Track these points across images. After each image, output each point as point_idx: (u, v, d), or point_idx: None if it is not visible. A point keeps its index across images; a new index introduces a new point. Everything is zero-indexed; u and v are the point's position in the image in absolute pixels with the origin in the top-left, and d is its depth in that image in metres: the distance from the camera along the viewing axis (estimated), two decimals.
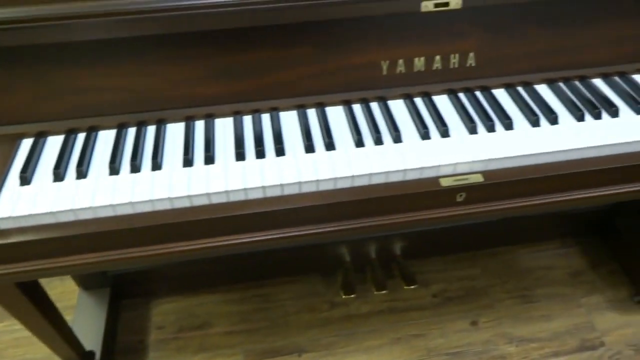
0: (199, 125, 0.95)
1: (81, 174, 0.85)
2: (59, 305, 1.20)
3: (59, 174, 0.85)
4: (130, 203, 0.80)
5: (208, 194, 0.82)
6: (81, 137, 0.92)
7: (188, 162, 0.87)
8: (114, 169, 0.85)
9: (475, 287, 1.76)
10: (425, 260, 1.83)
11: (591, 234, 1.87)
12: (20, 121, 0.91)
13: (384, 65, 0.97)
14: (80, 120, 0.93)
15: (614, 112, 0.96)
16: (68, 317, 1.53)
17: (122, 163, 0.88)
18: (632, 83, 1.04)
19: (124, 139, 0.92)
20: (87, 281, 1.52)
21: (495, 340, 1.61)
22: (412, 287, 1.63)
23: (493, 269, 1.81)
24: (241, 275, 1.69)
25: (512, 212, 0.93)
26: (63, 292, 1.69)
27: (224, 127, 0.95)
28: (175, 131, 0.94)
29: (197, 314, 1.69)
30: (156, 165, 0.86)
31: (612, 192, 0.93)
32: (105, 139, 0.93)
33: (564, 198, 0.92)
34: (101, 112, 0.92)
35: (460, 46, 0.97)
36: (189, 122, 0.95)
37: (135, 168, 0.86)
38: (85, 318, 1.51)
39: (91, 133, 0.93)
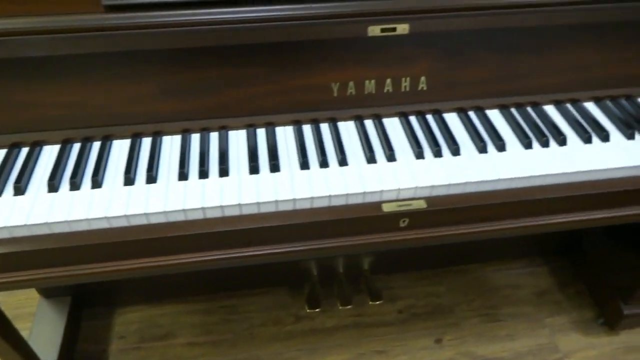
0: (146, 143, 0.94)
1: (19, 190, 0.84)
2: (20, 312, 1.19)
3: None
4: (67, 222, 0.80)
5: (146, 214, 0.82)
6: (24, 151, 0.92)
7: (129, 180, 0.87)
8: (53, 186, 0.85)
9: (442, 304, 1.76)
10: (393, 275, 1.83)
11: (559, 253, 1.88)
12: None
13: (335, 87, 0.97)
14: (24, 134, 0.92)
15: (562, 140, 0.97)
16: (29, 325, 1.53)
17: (62, 181, 0.87)
18: (584, 111, 1.04)
19: (68, 155, 0.91)
20: (48, 289, 1.51)
21: (458, 359, 1.61)
22: (378, 302, 1.63)
23: (460, 287, 1.81)
24: (207, 286, 1.69)
25: (456, 239, 0.93)
26: (28, 298, 1.67)
27: (171, 145, 0.95)
28: (120, 148, 0.93)
29: (160, 324, 1.67)
30: (96, 183, 0.86)
31: (555, 221, 0.93)
32: (49, 154, 0.92)
33: (508, 226, 0.92)
34: (46, 127, 0.92)
35: (412, 70, 0.97)
36: (136, 139, 0.94)
37: (74, 186, 0.85)
38: (45, 326, 1.49)
39: (35, 148, 0.92)
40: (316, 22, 0.87)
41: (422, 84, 0.99)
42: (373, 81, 0.97)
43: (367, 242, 0.90)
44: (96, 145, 0.93)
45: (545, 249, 1.85)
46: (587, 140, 0.98)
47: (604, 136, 0.98)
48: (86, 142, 0.93)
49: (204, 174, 0.88)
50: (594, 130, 1.00)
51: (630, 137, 0.99)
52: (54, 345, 1.44)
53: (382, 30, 0.88)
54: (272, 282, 1.74)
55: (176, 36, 0.87)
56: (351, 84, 0.97)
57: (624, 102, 1.07)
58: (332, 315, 1.71)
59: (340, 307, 1.60)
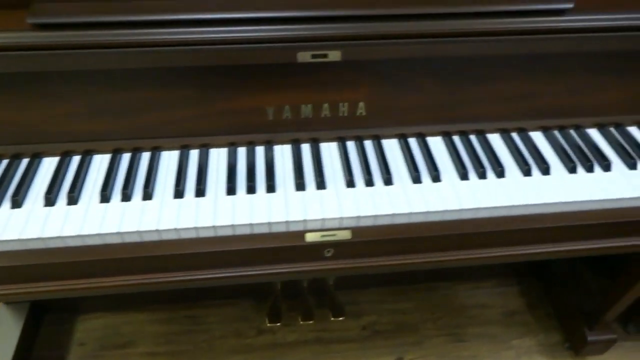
0: (74, 161, 0.94)
1: None
2: None
3: None
4: None
5: (62, 237, 0.81)
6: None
7: (49, 201, 0.86)
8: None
9: (407, 322, 1.74)
10: (361, 291, 1.81)
11: (531, 274, 1.85)
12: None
13: (270, 111, 0.95)
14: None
15: (499, 172, 0.94)
16: None
17: None
18: (529, 141, 1.01)
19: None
20: None
21: None
22: (340, 318, 1.61)
23: (427, 304, 1.79)
24: (172, 296, 1.68)
25: (383, 269, 0.91)
26: None
27: (100, 164, 0.94)
28: (47, 166, 0.93)
29: (122, 333, 1.67)
30: (16, 204, 0.85)
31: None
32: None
33: (435, 259, 0.90)
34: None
35: (349, 95, 0.95)
36: (65, 157, 0.93)
37: None
38: (2, 332, 1.50)
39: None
40: (245, 46, 0.85)
41: (361, 110, 0.97)
42: (310, 105, 0.95)
43: (290, 271, 0.88)
44: (24, 163, 0.93)
45: (517, 269, 1.82)
46: (527, 172, 0.95)
47: (545, 169, 0.95)
48: (14, 160, 0.92)
49: (126, 196, 0.87)
50: (536, 161, 0.97)
51: (572, 170, 0.96)
52: (7, 350, 1.44)
53: (313, 56, 0.86)
54: (237, 294, 1.73)
55: (105, 57, 0.86)
56: (287, 107, 0.95)
57: (572, 132, 1.04)
58: (294, 330, 1.70)
59: (301, 322, 1.59)
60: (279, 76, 0.92)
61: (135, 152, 0.95)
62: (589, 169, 0.96)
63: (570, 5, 0.92)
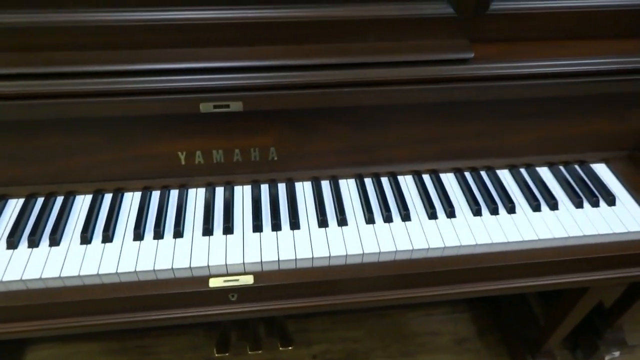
0: None
1: None
2: None
3: None
4: None
5: None
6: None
7: None
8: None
9: (357, 350, 1.75)
10: (311, 318, 1.82)
11: (482, 300, 1.86)
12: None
13: (182, 156, 0.97)
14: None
15: (405, 215, 0.97)
16: None
17: None
18: (440, 183, 1.04)
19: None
20: None
21: None
22: (289, 348, 1.62)
23: (378, 331, 1.80)
24: None
25: (287, 312, 0.92)
26: None
27: (13, 208, 0.96)
28: None
29: None
30: None
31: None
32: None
33: (341, 301, 0.92)
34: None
35: (259, 141, 0.98)
36: None
37: None
38: None
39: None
40: (147, 98, 0.88)
41: (273, 154, 0.99)
42: (221, 151, 0.98)
43: (200, 315, 0.90)
44: None
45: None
46: (433, 215, 0.97)
47: (450, 212, 0.97)
48: None
49: (32, 242, 0.89)
50: (443, 205, 0.99)
51: (477, 213, 0.98)
52: None
53: (215, 107, 0.89)
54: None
55: (15, 109, 0.88)
56: (198, 153, 0.97)
57: (483, 173, 1.06)
58: None
59: (250, 352, 1.60)
60: (188, 123, 0.94)
61: (50, 197, 0.97)
62: (494, 211, 0.99)
63: (471, 55, 0.95)
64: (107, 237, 0.91)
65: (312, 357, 1.73)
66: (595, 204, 1.01)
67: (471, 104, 1.00)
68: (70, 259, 0.87)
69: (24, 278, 0.84)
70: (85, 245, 0.90)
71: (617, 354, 1.67)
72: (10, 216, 0.95)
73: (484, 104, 1.00)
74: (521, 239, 0.94)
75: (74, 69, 0.86)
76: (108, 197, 0.99)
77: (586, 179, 1.06)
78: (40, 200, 0.97)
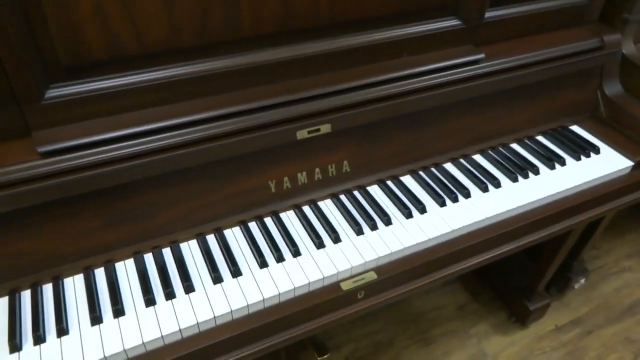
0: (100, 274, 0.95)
1: None
2: None
3: None
4: None
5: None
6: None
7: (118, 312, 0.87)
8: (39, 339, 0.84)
9: (382, 341, 1.90)
10: None
11: None
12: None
13: (272, 185, 1.06)
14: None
15: (467, 193, 1.16)
16: None
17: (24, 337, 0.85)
18: (475, 163, 1.25)
19: (20, 305, 0.89)
20: None
21: None
22: (325, 356, 1.70)
23: (394, 319, 1.96)
24: None
25: (406, 295, 1.06)
26: None
27: (126, 271, 0.96)
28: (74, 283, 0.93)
29: None
30: (62, 332, 0.85)
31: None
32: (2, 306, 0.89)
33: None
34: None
35: (336, 157, 1.10)
36: (88, 271, 0.94)
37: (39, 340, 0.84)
38: None
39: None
40: (247, 137, 0.96)
41: (346, 167, 1.12)
42: (304, 173, 1.08)
43: (333, 320, 1.00)
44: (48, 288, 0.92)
45: None
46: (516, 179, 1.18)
47: (484, 187, 1.19)
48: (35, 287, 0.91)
49: (170, 295, 0.92)
50: (487, 179, 1.21)
51: (515, 179, 1.21)
52: None
53: (309, 132, 1.00)
54: None
55: (119, 172, 0.90)
56: (286, 179, 1.07)
57: (501, 149, 1.30)
58: None
59: None
60: (275, 154, 1.03)
61: (156, 250, 0.99)
62: (524, 173, 1.23)
63: (481, 56, 1.19)
64: (237, 272, 0.96)
65: (345, 359, 1.84)
66: (587, 155, 1.30)
67: (478, 97, 1.23)
68: (212, 300, 0.92)
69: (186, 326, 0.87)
70: (219, 284, 0.95)
71: (582, 280, 2.03)
72: (129, 279, 0.95)
73: (484, 96, 1.24)
74: (550, 193, 1.18)
75: (171, 122, 0.92)
76: (211, 238, 1.03)
77: (574, 138, 1.35)
78: (148, 257, 0.99)
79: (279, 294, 0.93)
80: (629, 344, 1.91)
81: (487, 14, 1.23)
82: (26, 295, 0.92)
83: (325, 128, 1.02)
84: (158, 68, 0.93)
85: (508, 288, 1.95)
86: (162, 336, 0.86)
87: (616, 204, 1.34)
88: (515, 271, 1.96)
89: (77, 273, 0.95)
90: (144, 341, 0.85)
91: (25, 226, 0.89)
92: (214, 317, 0.89)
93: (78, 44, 0.85)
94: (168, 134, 0.92)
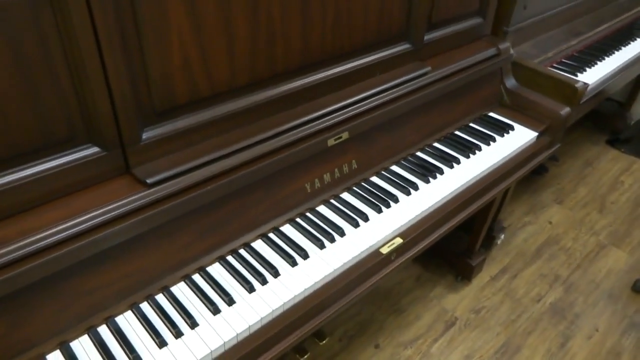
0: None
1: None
2: None
3: None
4: None
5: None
6: (102, 329, 1.03)
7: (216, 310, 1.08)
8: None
9: (364, 319, 2.21)
10: None
11: None
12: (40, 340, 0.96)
13: (308, 186, 1.33)
14: (95, 317, 1.02)
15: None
16: None
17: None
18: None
19: (146, 315, 1.06)
20: None
21: (396, 352, 2.08)
22: (325, 340, 1.97)
23: (367, 300, 2.29)
24: None
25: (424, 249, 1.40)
26: None
27: (219, 272, 1.17)
28: (181, 290, 1.11)
29: None
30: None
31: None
32: (125, 322, 1.04)
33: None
34: (112, 302, 1.04)
35: (347, 158, 1.41)
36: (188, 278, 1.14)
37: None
38: None
39: (108, 321, 1.04)
40: (298, 148, 1.24)
41: (354, 165, 1.44)
42: (328, 174, 1.37)
43: (378, 280, 1.29)
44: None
45: None
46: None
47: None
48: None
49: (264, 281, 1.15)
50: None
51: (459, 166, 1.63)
52: None
53: (335, 139, 1.30)
54: None
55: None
56: (316, 181, 1.35)
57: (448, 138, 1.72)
58: None
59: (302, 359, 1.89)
60: (308, 161, 1.31)
61: (234, 255, 1.21)
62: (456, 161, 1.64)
63: (429, 69, 1.59)
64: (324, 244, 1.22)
65: (339, 340, 2.12)
66: (508, 132, 1.76)
67: (428, 101, 1.64)
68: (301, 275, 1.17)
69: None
70: (295, 267, 1.19)
71: (502, 236, 2.55)
72: (224, 277, 1.16)
73: (431, 100, 1.65)
74: (493, 162, 1.61)
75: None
76: (273, 236, 1.27)
77: (495, 121, 1.82)
78: (231, 259, 1.20)
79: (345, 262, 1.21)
80: (543, 277, 2.45)
81: (425, 37, 1.64)
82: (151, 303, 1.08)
83: (345, 135, 1.33)
84: (222, 104, 1.16)
85: (452, 254, 2.39)
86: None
87: (526, 169, 1.82)
88: (455, 239, 2.41)
89: (179, 282, 1.13)
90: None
91: (132, 249, 1.06)
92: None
93: (168, 92, 1.06)
94: (240, 154, 1.16)
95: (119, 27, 0.93)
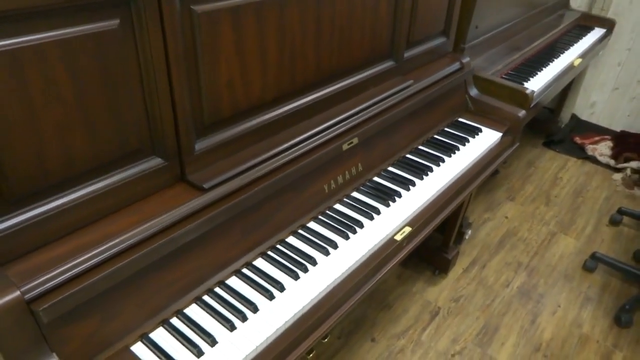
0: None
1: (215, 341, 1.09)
2: None
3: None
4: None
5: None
6: (175, 321, 1.14)
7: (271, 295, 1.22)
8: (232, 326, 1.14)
9: (358, 317, 2.38)
10: None
11: None
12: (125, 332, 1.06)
13: (326, 187, 1.51)
14: (166, 310, 1.13)
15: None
16: None
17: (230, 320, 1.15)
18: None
19: (211, 307, 1.18)
20: None
21: (391, 343, 2.26)
22: (327, 339, 2.12)
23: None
24: None
25: (427, 235, 1.60)
26: None
27: (263, 265, 1.31)
28: (234, 283, 1.25)
29: None
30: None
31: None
32: (196, 311, 1.16)
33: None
34: (179, 296, 1.15)
35: (355, 161, 1.60)
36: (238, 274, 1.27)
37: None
38: None
39: (178, 314, 1.15)
40: (322, 151, 1.41)
41: (360, 167, 1.63)
42: (341, 176, 1.55)
43: (392, 267, 1.48)
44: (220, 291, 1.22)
45: None
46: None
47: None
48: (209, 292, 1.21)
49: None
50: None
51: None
52: None
53: (348, 144, 1.49)
54: None
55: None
56: (332, 181, 1.53)
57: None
58: None
59: (308, 356, 2.03)
60: (325, 164, 1.49)
61: (272, 251, 1.36)
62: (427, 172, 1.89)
63: (412, 81, 1.83)
64: (345, 237, 1.39)
65: (338, 337, 2.28)
66: (477, 134, 2.03)
67: (412, 112, 1.88)
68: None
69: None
70: (328, 256, 1.36)
71: (470, 232, 2.83)
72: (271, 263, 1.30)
73: (414, 111, 1.89)
74: (470, 160, 1.87)
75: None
76: (303, 231, 1.43)
77: (465, 126, 2.08)
78: (271, 253, 1.34)
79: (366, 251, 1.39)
80: (508, 265, 2.74)
81: (405, 55, 1.88)
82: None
83: (355, 140, 1.52)
84: (257, 116, 1.32)
85: (429, 252, 2.62)
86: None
87: (491, 168, 2.09)
88: (429, 239, 2.64)
89: (231, 276, 1.26)
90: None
91: (195, 248, 1.18)
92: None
93: (216, 107, 1.21)
94: (274, 159, 1.32)
95: (184, 52, 1.08)
